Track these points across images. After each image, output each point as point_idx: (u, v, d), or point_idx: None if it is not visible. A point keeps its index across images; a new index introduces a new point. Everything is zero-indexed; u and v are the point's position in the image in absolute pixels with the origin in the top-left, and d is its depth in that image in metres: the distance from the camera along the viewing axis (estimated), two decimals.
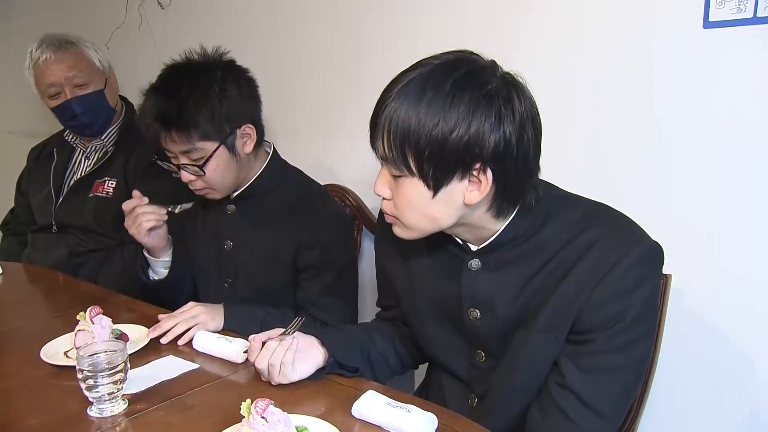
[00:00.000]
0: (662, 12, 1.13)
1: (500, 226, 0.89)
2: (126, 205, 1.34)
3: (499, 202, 0.86)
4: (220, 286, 1.43)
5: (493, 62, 0.84)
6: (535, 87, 0.85)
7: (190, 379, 1.02)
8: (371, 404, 0.86)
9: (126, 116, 1.82)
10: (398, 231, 0.91)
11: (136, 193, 1.35)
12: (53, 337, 1.15)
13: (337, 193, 1.62)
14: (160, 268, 1.42)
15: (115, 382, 0.90)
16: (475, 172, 0.81)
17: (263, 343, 0.97)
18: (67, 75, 1.68)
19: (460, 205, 0.84)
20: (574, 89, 1.25)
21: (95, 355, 0.91)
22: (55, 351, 1.11)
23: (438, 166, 0.80)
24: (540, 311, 0.87)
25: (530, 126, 0.82)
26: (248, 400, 0.76)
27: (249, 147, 1.31)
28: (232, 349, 1.08)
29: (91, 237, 1.76)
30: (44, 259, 1.78)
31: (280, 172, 1.41)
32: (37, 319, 1.34)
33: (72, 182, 1.80)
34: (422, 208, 0.85)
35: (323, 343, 1.00)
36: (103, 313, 1.10)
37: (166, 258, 1.41)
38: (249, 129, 1.30)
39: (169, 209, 1.34)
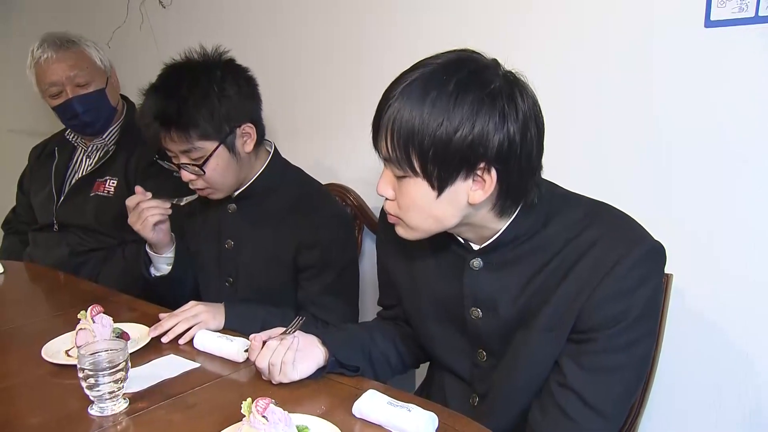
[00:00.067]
0: (663, 11, 1.13)
1: (502, 225, 0.89)
2: (130, 201, 1.34)
3: (503, 201, 0.86)
4: (220, 286, 1.43)
5: (495, 61, 0.84)
6: (535, 87, 0.85)
7: (190, 378, 1.02)
8: (372, 403, 0.87)
9: (127, 115, 1.82)
10: (401, 232, 0.91)
11: (139, 188, 1.36)
12: (54, 335, 1.16)
13: (338, 193, 1.63)
14: (162, 264, 1.42)
15: (116, 381, 0.90)
16: (479, 172, 0.81)
17: (264, 343, 0.97)
18: (69, 74, 1.68)
19: (465, 205, 0.84)
20: (574, 89, 1.25)
21: (96, 354, 0.91)
22: (56, 350, 1.11)
23: (442, 166, 0.80)
24: (541, 310, 0.87)
25: (533, 124, 0.82)
26: (249, 399, 0.76)
27: (249, 146, 1.31)
28: (232, 348, 1.08)
29: (92, 236, 1.76)
30: (45, 258, 1.79)
31: (281, 171, 1.41)
32: (38, 318, 1.35)
33: (73, 181, 1.80)
34: (426, 209, 0.85)
35: (324, 343, 1.00)
36: (104, 312, 1.10)
37: (169, 254, 1.41)
38: (249, 128, 1.30)
39: (174, 202, 1.35)
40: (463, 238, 0.94)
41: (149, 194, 1.34)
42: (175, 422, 0.88)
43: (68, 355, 1.09)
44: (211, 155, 1.26)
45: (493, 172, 0.81)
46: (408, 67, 0.84)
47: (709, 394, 1.20)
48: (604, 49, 1.21)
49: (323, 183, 1.50)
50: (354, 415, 0.87)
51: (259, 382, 0.99)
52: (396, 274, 1.08)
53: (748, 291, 1.12)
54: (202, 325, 1.17)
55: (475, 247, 0.93)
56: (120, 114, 1.83)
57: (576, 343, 0.86)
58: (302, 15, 1.70)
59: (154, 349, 1.12)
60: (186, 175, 1.29)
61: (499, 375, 0.95)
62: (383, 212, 1.11)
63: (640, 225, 0.88)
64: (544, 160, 0.87)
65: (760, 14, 1.04)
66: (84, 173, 1.80)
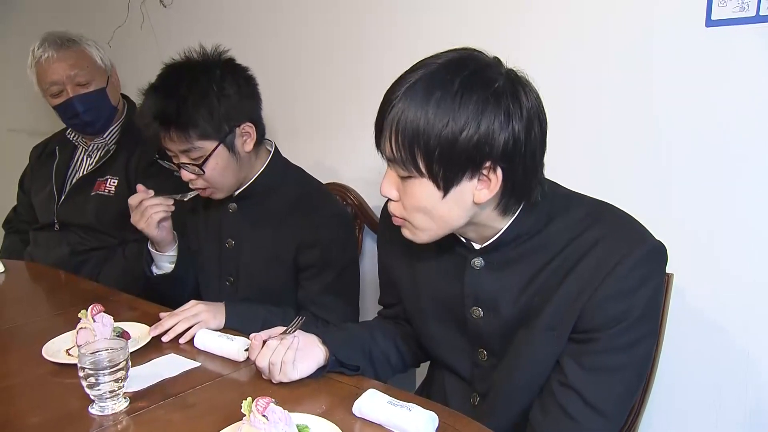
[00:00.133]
0: (664, 11, 1.13)
1: (504, 224, 0.89)
2: (132, 200, 1.34)
3: (507, 200, 0.86)
4: (221, 285, 1.44)
5: (497, 59, 0.84)
6: (535, 87, 0.85)
7: (191, 377, 1.02)
8: (372, 403, 0.87)
9: (128, 115, 1.83)
10: (408, 234, 0.90)
11: (140, 187, 1.36)
12: (55, 335, 1.16)
13: (338, 192, 1.63)
14: (165, 263, 1.42)
15: (116, 380, 0.90)
16: (484, 171, 0.81)
17: (264, 342, 0.97)
18: (69, 73, 1.69)
19: (470, 205, 0.84)
20: (574, 89, 1.25)
21: (97, 353, 0.91)
22: (57, 349, 1.11)
23: (448, 166, 0.80)
24: (542, 310, 0.87)
25: (537, 121, 0.82)
26: (249, 399, 0.76)
27: (249, 146, 1.31)
28: (233, 347, 1.08)
29: (93, 235, 1.77)
30: (46, 257, 1.79)
31: (282, 170, 1.41)
32: (38, 317, 1.35)
33: (74, 181, 1.80)
34: (432, 209, 0.84)
35: (324, 342, 1.00)
36: (104, 311, 1.10)
37: (172, 253, 1.41)
38: (248, 128, 1.30)
39: (178, 197, 1.35)
40: (464, 238, 0.94)
41: (151, 192, 1.34)
42: (176, 421, 0.89)
43: (69, 354, 1.09)
44: (210, 155, 1.26)
45: (499, 171, 0.81)
46: (408, 67, 0.84)
47: (709, 394, 1.20)
48: (604, 48, 1.21)
49: (324, 182, 1.50)
50: (354, 415, 0.87)
51: (259, 382, 0.99)
52: (397, 274, 1.08)
53: (748, 291, 1.12)
54: (203, 325, 1.17)
55: (477, 246, 0.93)
56: (121, 113, 1.83)
57: (577, 342, 0.86)
58: (302, 15, 1.70)
59: (154, 348, 1.13)
60: (186, 175, 1.29)
61: (499, 374, 0.95)
62: (384, 211, 1.12)
63: (641, 225, 0.88)
64: (545, 160, 0.87)
65: (761, 13, 1.04)
66: (85, 172, 1.80)
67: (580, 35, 1.24)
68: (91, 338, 1.05)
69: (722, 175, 1.12)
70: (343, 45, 1.63)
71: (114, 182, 1.75)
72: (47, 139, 1.98)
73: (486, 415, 0.95)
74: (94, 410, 0.91)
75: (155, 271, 1.43)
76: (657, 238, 0.86)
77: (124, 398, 0.93)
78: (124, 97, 1.87)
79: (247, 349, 1.05)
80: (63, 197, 1.80)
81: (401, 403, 0.85)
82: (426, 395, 1.08)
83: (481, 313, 0.94)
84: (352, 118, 1.64)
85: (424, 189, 0.83)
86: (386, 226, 1.09)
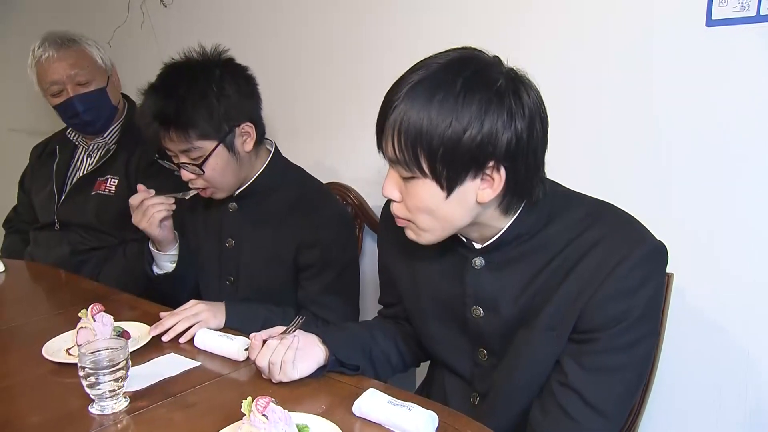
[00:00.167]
0: (664, 10, 1.13)
1: (506, 223, 0.89)
2: (133, 200, 1.34)
3: (509, 199, 0.86)
4: (221, 284, 1.44)
5: (497, 58, 0.84)
6: (535, 84, 0.85)
7: (191, 376, 1.02)
8: (372, 402, 0.87)
9: (128, 114, 1.83)
10: (412, 236, 0.90)
11: (141, 187, 1.36)
12: (55, 334, 1.16)
13: (338, 192, 1.63)
14: (166, 262, 1.42)
15: (116, 380, 0.90)
16: (488, 171, 0.81)
17: (264, 341, 0.97)
18: (69, 73, 1.69)
19: (474, 204, 0.84)
20: (574, 89, 1.25)
21: (97, 353, 0.91)
22: (57, 348, 1.11)
23: (451, 166, 0.80)
24: (543, 310, 0.87)
25: (539, 119, 0.82)
26: (249, 398, 0.76)
27: (249, 145, 1.31)
28: (233, 347, 1.08)
29: (94, 235, 1.77)
30: (46, 257, 1.79)
31: (282, 170, 1.41)
32: (39, 317, 1.35)
33: (74, 180, 1.80)
34: (436, 210, 0.84)
35: (324, 342, 1.00)
36: (104, 311, 1.10)
37: (173, 252, 1.41)
38: (248, 127, 1.30)
39: (179, 196, 1.35)
40: (465, 237, 0.94)
41: (152, 191, 1.34)
42: (176, 421, 0.89)
43: (69, 354, 1.09)
44: (210, 155, 1.26)
45: (502, 170, 0.81)
46: (407, 67, 0.84)
47: (709, 394, 1.20)
48: (604, 48, 1.21)
49: (324, 182, 1.51)
50: (354, 414, 0.87)
51: (259, 381, 0.99)
52: (397, 273, 1.08)
53: (748, 291, 1.12)
54: (203, 324, 1.17)
55: (477, 246, 0.93)
56: (121, 113, 1.83)
57: (577, 342, 0.86)
58: (302, 15, 1.70)
59: (154, 347, 1.13)
60: (186, 175, 1.29)
61: (499, 374, 0.95)
62: (384, 211, 1.12)
63: (642, 225, 0.88)
64: (545, 160, 0.87)
65: (761, 13, 1.04)
66: (85, 172, 1.80)
67: (580, 35, 1.24)
68: (91, 338, 1.05)
69: (722, 175, 1.12)
70: (343, 45, 1.63)
71: (114, 182, 1.75)
72: (47, 139, 1.98)
73: (486, 415, 0.94)
74: (94, 410, 0.91)
75: (156, 270, 1.43)
76: (657, 237, 0.86)
77: (124, 398, 0.93)
78: (125, 96, 1.87)
79: (247, 349, 1.05)
80: (63, 197, 1.80)
81: (401, 402, 0.85)
82: (426, 395, 1.08)
83: (482, 312, 0.94)
84: (352, 118, 1.64)
85: (427, 189, 0.83)
86: (386, 226, 1.09)
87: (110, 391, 0.90)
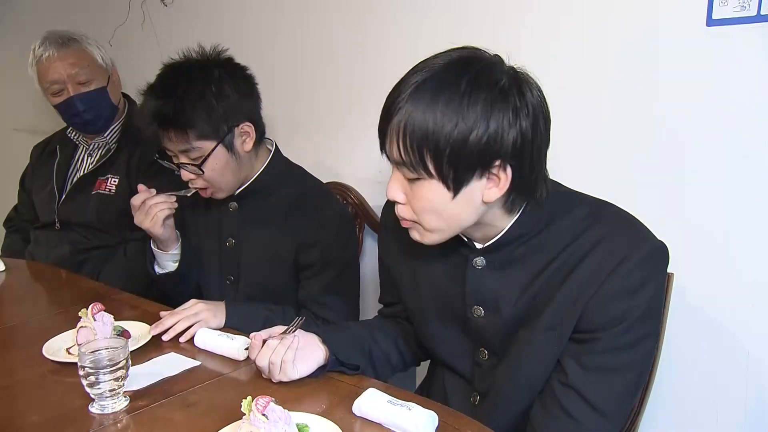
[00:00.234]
0: (665, 10, 1.13)
1: (508, 223, 0.89)
2: (135, 200, 1.34)
3: (514, 197, 0.85)
4: (222, 284, 1.44)
5: (499, 57, 0.84)
6: (537, 82, 0.85)
7: (191, 376, 1.02)
8: (372, 402, 0.87)
9: (128, 114, 1.83)
10: (417, 236, 0.90)
11: (141, 187, 1.36)
12: (55, 333, 1.16)
13: (338, 192, 1.63)
14: (168, 261, 1.42)
15: (116, 379, 0.90)
16: (494, 170, 0.81)
17: (264, 341, 0.97)
18: (70, 72, 1.69)
19: (479, 204, 0.84)
20: (574, 89, 1.25)
21: (97, 352, 0.91)
22: (57, 348, 1.11)
23: (458, 166, 0.80)
24: (544, 309, 0.87)
25: (542, 117, 0.82)
26: (249, 398, 0.76)
27: (248, 145, 1.31)
28: (233, 346, 1.09)
29: (94, 234, 1.77)
30: (47, 256, 1.79)
31: (282, 170, 1.41)
32: (39, 316, 1.35)
33: (75, 179, 1.80)
34: (442, 210, 0.84)
35: (324, 341, 1.00)
36: (105, 310, 1.10)
37: (175, 251, 1.41)
38: (247, 127, 1.30)
39: (182, 193, 1.35)
40: (466, 237, 0.94)
41: (153, 191, 1.34)
42: (176, 420, 0.89)
43: (69, 353, 1.09)
44: (209, 155, 1.26)
45: (508, 169, 0.81)
46: (407, 67, 0.84)
47: (709, 394, 1.20)
48: (604, 48, 1.21)
49: (324, 182, 1.51)
50: (354, 414, 0.87)
51: (259, 381, 0.99)
52: (397, 273, 1.08)
53: (749, 290, 1.12)
54: (203, 324, 1.17)
55: (479, 245, 0.93)
56: (121, 112, 1.83)
57: (578, 342, 0.86)
58: (302, 15, 1.70)
59: (154, 347, 1.13)
60: (185, 175, 1.29)
61: (500, 374, 0.95)
62: (385, 210, 1.12)
63: (643, 224, 0.88)
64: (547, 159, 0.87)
65: (761, 13, 1.04)
66: (85, 171, 1.80)
67: (580, 35, 1.24)
68: (91, 337, 1.05)
69: (723, 175, 1.12)
70: (343, 45, 1.63)
71: (115, 181, 1.75)
72: (48, 138, 1.98)
73: (486, 415, 0.94)
74: (94, 409, 0.91)
75: (158, 270, 1.43)
76: (658, 237, 0.86)
77: (124, 397, 0.93)
78: (125, 96, 1.87)
79: (247, 348, 1.05)
80: (64, 196, 1.80)
81: (401, 402, 0.85)
82: (426, 394, 1.08)
83: (483, 312, 0.94)
84: (352, 118, 1.64)
85: (433, 190, 0.82)
86: (387, 225, 1.10)
87: (110, 391, 0.90)
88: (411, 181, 0.84)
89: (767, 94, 1.06)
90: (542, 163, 0.85)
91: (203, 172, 1.27)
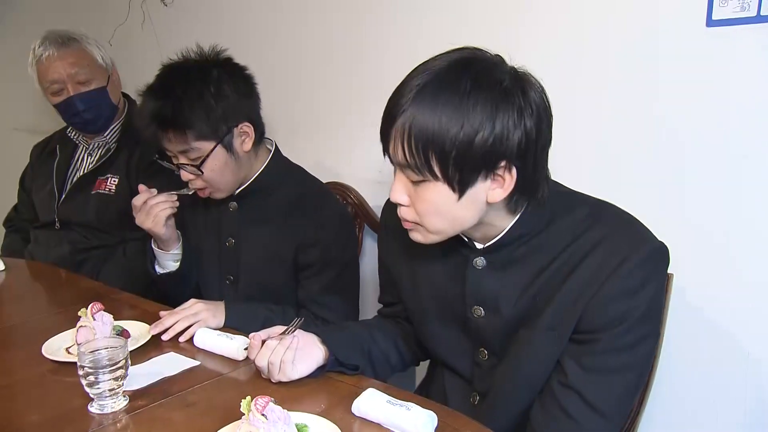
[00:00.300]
0: (665, 11, 1.13)
1: (509, 223, 0.89)
2: (137, 200, 1.34)
3: (517, 197, 0.85)
4: (221, 283, 1.44)
5: (500, 57, 0.84)
6: (538, 81, 0.85)
7: (190, 375, 1.02)
8: (371, 402, 0.87)
9: (128, 113, 1.83)
10: (419, 237, 0.89)
11: (142, 187, 1.36)
12: (55, 333, 1.16)
13: (338, 192, 1.63)
14: (169, 261, 1.42)
15: (116, 379, 0.90)
16: (499, 171, 0.81)
17: (263, 342, 0.97)
18: (70, 72, 1.69)
19: (483, 204, 0.84)
20: (574, 89, 1.25)
21: (96, 352, 0.91)
22: (57, 347, 1.11)
23: (464, 168, 0.80)
24: (544, 310, 0.87)
25: (545, 116, 0.83)
26: (248, 398, 0.76)
27: (247, 145, 1.31)
28: (232, 346, 1.09)
29: (94, 234, 1.77)
30: (46, 255, 1.79)
31: (282, 170, 1.41)
32: (38, 316, 1.35)
33: (75, 179, 1.80)
34: (447, 212, 0.84)
35: (324, 341, 1.00)
36: (104, 310, 1.10)
37: (176, 251, 1.41)
38: (246, 127, 1.30)
39: (183, 191, 1.34)
40: (467, 237, 0.94)
41: (154, 190, 1.34)
42: (175, 420, 0.89)
43: (68, 353, 1.09)
44: (208, 155, 1.26)
45: (513, 169, 0.81)
46: (407, 66, 0.84)
47: (709, 394, 1.20)
48: (604, 49, 1.21)
49: (324, 182, 1.51)
50: (353, 414, 0.87)
51: (258, 381, 0.99)
52: (397, 272, 1.08)
53: (749, 291, 1.12)
54: (202, 323, 1.17)
55: (479, 245, 0.93)
56: (121, 112, 1.83)
57: (578, 343, 0.86)
58: (302, 15, 1.70)
59: (154, 346, 1.13)
60: (185, 175, 1.29)
61: (500, 374, 0.95)
62: (385, 210, 1.12)
63: (643, 225, 0.88)
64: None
65: (761, 14, 1.04)
66: (85, 171, 1.80)
67: (580, 36, 1.24)
68: (90, 337, 1.05)
69: (723, 175, 1.12)
70: (343, 45, 1.63)
71: (115, 181, 1.75)
72: (48, 138, 1.98)
73: (485, 415, 0.94)
74: (93, 408, 0.91)
75: (159, 270, 1.43)
76: (658, 238, 0.86)
77: (124, 397, 0.93)
78: (125, 95, 1.87)
79: (246, 348, 1.05)
80: (63, 196, 1.80)
81: (400, 402, 0.85)
82: (425, 394, 1.08)
83: (483, 312, 0.94)
84: (352, 118, 1.64)
85: (439, 193, 0.82)
86: (387, 225, 1.10)
87: (109, 390, 0.90)
88: (415, 183, 0.84)
89: (767, 94, 1.06)
90: (545, 163, 0.86)
91: (202, 172, 1.27)
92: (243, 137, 1.30)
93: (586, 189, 0.95)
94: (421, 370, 1.22)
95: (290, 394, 0.94)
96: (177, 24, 2.04)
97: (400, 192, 0.86)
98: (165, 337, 1.15)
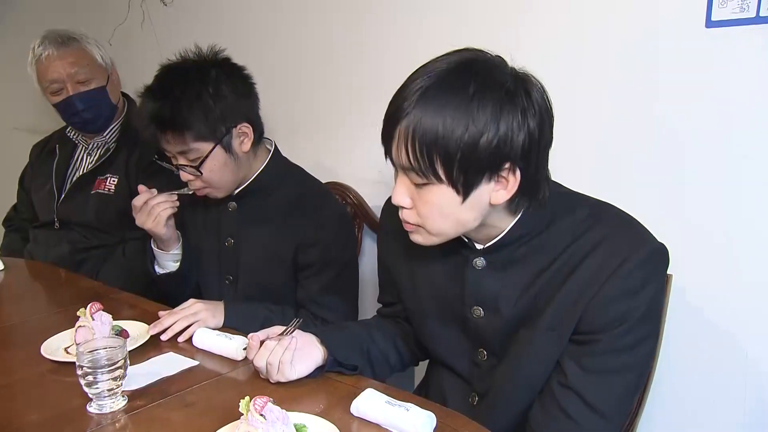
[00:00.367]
0: (665, 11, 1.13)
1: (509, 223, 0.89)
2: (137, 201, 1.33)
3: (518, 198, 0.85)
4: (220, 283, 1.44)
5: (501, 58, 0.84)
6: (539, 81, 0.85)
7: (189, 375, 1.02)
8: (370, 402, 0.87)
9: (128, 113, 1.83)
10: (420, 239, 0.89)
11: (142, 187, 1.35)
12: (54, 333, 1.16)
13: (337, 192, 1.63)
14: (169, 261, 1.42)
15: (114, 379, 0.90)
16: (503, 173, 0.81)
17: (262, 342, 0.97)
18: (69, 71, 1.69)
19: (486, 206, 0.84)
20: (574, 89, 1.25)
21: (95, 352, 0.91)
22: (56, 347, 1.11)
23: (469, 170, 0.79)
24: (544, 310, 0.87)
25: (547, 116, 0.82)
26: (247, 398, 0.76)
27: (246, 146, 1.31)
28: (231, 346, 1.08)
29: (93, 234, 1.77)
30: (46, 255, 1.79)
31: (281, 170, 1.41)
32: (38, 315, 1.35)
33: (74, 179, 1.80)
34: (450, 214, 0.84)
35: (323, 342, 1.00)
36: (103, 310, 1.10)
37: (176, 251, 1.41)
38: (245, 128, 1.30)
39: (183, 191, 1.34)
40: (467, 238, 0.93)
41: (154, 191, 1.34)
42: (174, 420, 0.89)
43: (67, 353, 1.09)
44: (207, 156, 1.26)
45: (517, 171, 0.81)
46: (407, 66, 0.84)
47: (709, 394, 1.20)
48: (604, 49, 1.21)
49: (323, 182, 1.50)
50: (352, 414, 0.87)
51: (257, 381, 0.99)
52: (397, 272, 1.08)
53: (749, 291, 1.12)
54: (201, 323, 1.17)
55: (479, 246, 0.93)
56: (121, 112, 1.83)
57: (578, 344, 0.86)
58: (302, 15, 1.70)
59: (153, 346, 1.13)
60: (184, 176, 1.29)
61: (499, 374, 0.94)
62: (384, 210, 1.12)
63: (642, 226, 0.88)
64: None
65: (761, 14, 1.04)
66: (85, 171, 1.80)
67: (580, 36, 1.24)
68: (89, 336, 1.05)
69: (723, 176, 1.12)
70: (343, 45, 1.63)
71: (114, 181, 1.75)
72: (47, 137, 1.98)
73: (484, 415, 0.94)
74: (92, 408, 0.91)
75: (158, 270, 1.43)
76: (657, 237, 0.86)
77: (123, 396, 0.93)
78: (125, 95, 1.87)
79: (245, 348, 1.05)
80: (63, 195, 1.80)
81: (399, 402, 0.85)
82: (424, 395, 1.08)
83: (482, 312, 0.94)
84: (352, 118, 1.64)
85: (442, 195, 0.82)
86: (386, 226, 1.09)
87: (108, 390, 0.90)
88: (418, 186, 0.83)
89: (766, 94, 1.06)
90: (546, 164, 0.86)
91: (201, 173, 1.27)
92: (242, 138, 1.30)
93: (586, 189, 0.95)
94: (420, 370, 1.22)
95: (289, 394, 0.93)
96: (177, 24, 2.04)
97: (403, 195, 0.86)
98: (164, 337, 1.15)
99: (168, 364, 1.05)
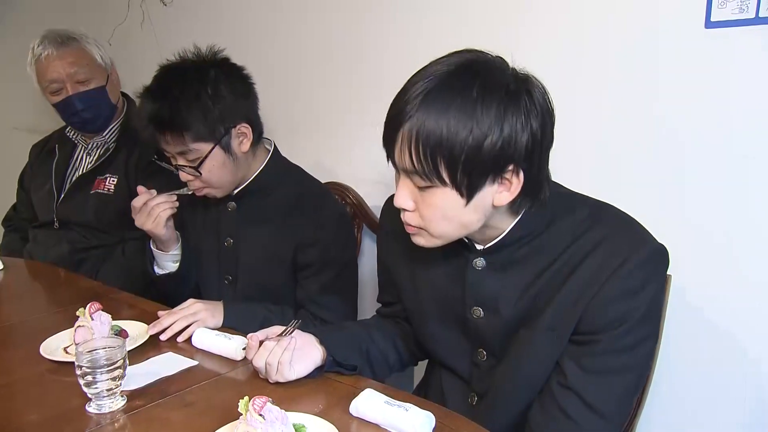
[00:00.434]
0: (664, 12, 1.13)
1: (510, 224, 0.89)
2: (137, 202, 1.33)
3: (521, 199, 0.85)
4: (220, 283, 1.44)
5: (502, 59, 0.83)
6: (540, 81, 0.85)
7: (188, 375, 1.02)
8: (369, 402, 0.86)
9: (127, 113, 1.83)
10: (422, 241, 0.89)
11: (141, 188, 1.35)
12: (53, 332, 1.15)
13: (337, 192, 1.63)
14: (168, 262, 1.42)
15: (113, 379, 0.90)
16: (507, 175, 0.81)
17: (261, 342, 0.97)
18: (69, 71, 1.69)
19: (489, 208, 0.84)
20: (574, 90, 1.25)
21: (94, 352, 0.91)
22: (55, 347, 1.11)
23: (473, 173, 0.79)
24: (544, 310, 0.87)
25: (548, 117, 0.82)
26: (246, 398, 0.76)
27: (245, 146, 1.31)
28: (230, 346, 1.08)
29: (93, 234, 1.77)
30: (45, 255, 1.79)
31: (281, 170, 1.41)
32: (37, 315, 1.35)
33: (74, 179, 1.80)
34: (454, 217, 0.83)
35: (322, 342, 1.00)
36: (102, 310, 1.10)
37: (176, 252, 1.41)
38: (244, 128, 1.30)
39: (183, 191, 1.34)
40: (467, 238, 0.93)
41: (154, 191, 1.34)
42: (173, 420, 0.88)
43: (66, 353, 1.09)
44: (206, 156, 1.26)
45: (521, 173, 0.81)
46: (407, 66, 0.84)
47: (709, 394, 1.20)
48: (604, 50, 1.21)
49: (323, 182, 1.50)
50: (351, 414, 0.87)
51: (256, 381, 0.99)
52: (397, 273, 1.08)
53: (748, 291, 1.12)
54: (201, 323, 1.17)
55: (479, 246, 0.93)
56: (120, 111, 1.83)
57: (578, 344, 0.86)
58: (302, 15, 1.70)
59: (152, 346, 1.12)
60: (183, 176, 1.29)
61: (499, 374, 0.94)
62: (385, 211, 1.12)
63: (642, 226, 0.88)
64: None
65: (760, 15, 1.04)
66: (84, 171, 1.80)
67: (579, 36, 1.24)
68: (88, 336, 1.05)
69: (723, 176, 1.12)
70: (343, 45, 1.63)
71: (113, 180, 1.75)
72: (47, 137, 1.98)
73: (484, 416, 0.94)
74: (91, 408, 0.91)
75: (158, 271, 1.43)
76: (657, 237, 0.86)
77: (122, 396, 0.93)
78: (124, 95, 1.87)
79: (244, 348, 1.05)
80: (62, 195, 1.80)
81: (398, 403, 0.85)
82: (423, 395, 1.08)
83: (482, 313, 0.94)
84: (351, 118, 1.64)
85: (446, 198, 0.82)
86: (386, 226, 1.09)
87: (107, 390, 0.90)
88: (421, 189, 0.83)
89: (766, 95, 1.06)
90: (547, 164, 0.85)
91: (201, 173, 1.27)
92: (241, 138, 1.30)
93: (586, 189, 0.95)
94: (420, 370, 1.22)
95: (288, 394, 0.93)
96: (176, 24, 2.04)
97: (405, 198, 0.85)
98: (163, 337, 1.15)
99: (167, 364, 1.05)
